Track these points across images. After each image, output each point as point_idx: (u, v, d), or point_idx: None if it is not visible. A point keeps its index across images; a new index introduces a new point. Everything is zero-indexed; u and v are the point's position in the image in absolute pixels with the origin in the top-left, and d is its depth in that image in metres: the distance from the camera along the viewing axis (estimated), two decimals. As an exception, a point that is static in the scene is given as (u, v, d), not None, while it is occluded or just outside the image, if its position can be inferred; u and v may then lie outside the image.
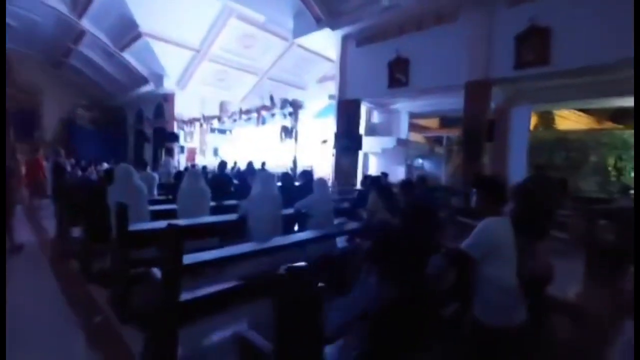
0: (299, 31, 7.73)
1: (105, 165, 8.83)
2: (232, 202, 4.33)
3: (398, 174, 8.60)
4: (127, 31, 11.21)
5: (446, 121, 10.77)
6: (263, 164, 7.14)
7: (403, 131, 9.02)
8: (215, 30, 11.68)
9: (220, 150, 14.68)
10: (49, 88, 16.34)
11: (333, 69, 15.96)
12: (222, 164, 7.36)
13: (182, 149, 14.03)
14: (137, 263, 2.81)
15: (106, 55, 13.72)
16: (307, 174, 5.17)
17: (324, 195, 3.63)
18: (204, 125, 12.28)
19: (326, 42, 7.84)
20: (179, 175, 5.41)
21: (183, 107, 14.46)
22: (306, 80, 16.50)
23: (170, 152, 12.76)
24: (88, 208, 3.57)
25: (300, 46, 13.65)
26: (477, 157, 5.83)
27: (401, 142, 8.70)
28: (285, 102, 8.52)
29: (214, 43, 12.20)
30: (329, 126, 12.67)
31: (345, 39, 7.58)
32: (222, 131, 14.67)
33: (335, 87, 7.92)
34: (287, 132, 8.18)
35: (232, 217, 3.49)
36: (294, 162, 8.24)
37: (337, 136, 7.47)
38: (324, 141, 8.67)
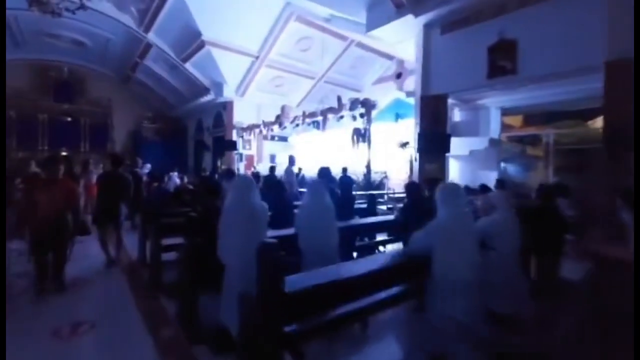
0: (374, 23, 6.95)
1: (176, 175, 8.74)
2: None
3: (490, 180, 7.36)
4: (191, 41, 11.32)
5: (534, 119, 9.25)
6: (344, 169, 6.45)
7: (494, 130, 7.74)
8: (274, 35, 11.39)
9: (277, 158, 14.35)
10: (118, 102, 17.41)
11: (391, 69, 15.34)
12: (272, 168, 6.92)
13: (240, 156, 13.93)
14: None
15: (170, 68, 14.16)
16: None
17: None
18: (264, 132, 11.97)
19: (403, 33, 6.96)
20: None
21: (241, 114, 14.44)
22: (363, 83, 15.75)
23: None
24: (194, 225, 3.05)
25: (358, 45, 12.99)
26: (621, 159, 4.50)
27: (494, 143, 7.45)
28: (355, 103, 7.74)
29: (272, 48, 11.94)
30: (393, 129, 11.71)
31: (427, 28, 6.63)
32: (283, 138, 14.35)
33: (416, 82, 6.98)
34: (360, 135, 7.39)
35: (289, 231, 3.10)
36: (368, 168, 7.41)
37: (421, 137, 6.48)
38: (404, 144, 7.74)
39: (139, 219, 4.99)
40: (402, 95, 13.85)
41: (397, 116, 14.03)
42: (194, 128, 18.16)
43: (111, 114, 17.31)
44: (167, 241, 3.67)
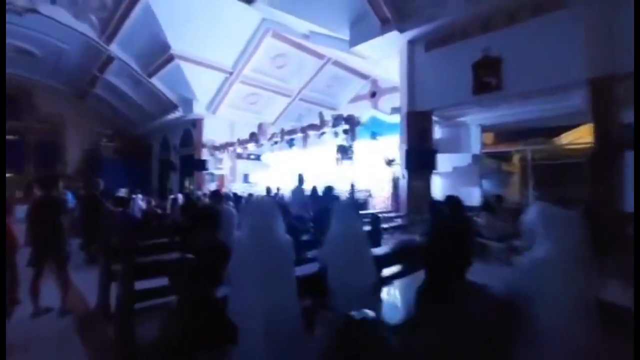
0: (358, 38, 6.82)
1: (140, 198, 7.76)
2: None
3: (473, 197, 7.30)
4: (158, 54, 10.62)
5: (504, 136, 9.57)
6: (330, 188, 5.89)
7: (474, 147, 7.79)
8: (249, 50, 11.03)
9: (250, 177, 13.67)
10: (72, 119, 15.91)
11: (366, 88, 15.53)
12: (268, 190, 6.34)
13: (212, 176, 13.08)
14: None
15: (133, 83, 13.22)
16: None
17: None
18: (239, 150, 11.34)
19: (387, 49, 6.89)
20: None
21: (212, 132, 13.71)
22: (339, 101, 15.74)
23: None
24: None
25: (335, 64, 12.99)
26: (610, 174, 4.52)
27: (476, 159, 7.46)
28: (338, 119, 7.48)
29: (247, 64, 11.55)
30: (371, 146, 11.57)
31: (411, 44, 6.61)
32: (256, 157, 13.72)
33: (401, 98, 6.87)
34: (344, 152, 7.07)
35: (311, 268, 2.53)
36: (352, 186, 7.06)
37: (409, 154, 6.28)
38: (390, 161, 7.51)
39: (100, 251, 4.16)
40: (377, 114, 13.98)
41: (373, 134, 14.05)
42: (158, 147, 17.01)
43: (63, 132, 15.73)
44: (142, 284, 2.75)
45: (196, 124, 13.73)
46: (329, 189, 4.72)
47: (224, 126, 13.91)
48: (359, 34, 6.80)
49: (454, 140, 7.75)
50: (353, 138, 7.12)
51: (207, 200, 6.32)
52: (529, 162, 7.58)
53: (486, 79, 5.70)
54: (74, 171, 15.77)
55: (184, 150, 14.99)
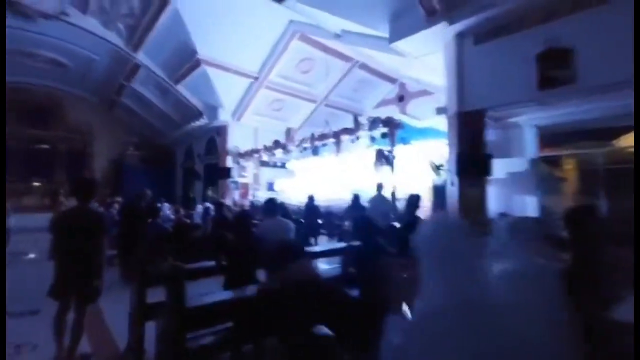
0: (399, 33, 6.28)
1: (167, 207, 7.43)
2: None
3: (527, 207, 6.52)
4: (185, 60, 10.46)
5: (551, 138, 8.67)
6: (355, 196, 5.19)
7: (530, 151, 7.01)
8: (275, 55, 10.71)
9: (275, 185, 13.24)
10: (100, 129, 16.14)
11: (393, 93, 14.93)
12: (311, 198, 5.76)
13: (235, 184, 12.76)
14: None
15: (159, 91, 13.20)
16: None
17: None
18: (265, 157, 10.96)
19: (431, 44, 6.30)
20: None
21: (236, 140, 13.43)
22: (364, 106, 15.21)
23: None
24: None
25: (362, 67, 12.50)
26: None
27: (533, 164, 6.67)
28: (376, 122, 6.92)
29: (273, 69, 11.23)
30: (403, 152, 10.88)
31: (459, 38, 6.00)
32: (281, 164, 13.32)
33: (448, 98, 6.23)
34: (384, 157, 6.49)
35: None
36: (394, 195, 6.43)
37: (460, 158, 5.61)
38: (438, 167, 6.85)
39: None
40: (405, 119, 13.32)
41: (402, 139, 13.37)
42: (182, 155, 16.95)
43: (91, 141, 15.95)
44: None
45: (220, 131, 13.50)
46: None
47: (248, 133, 13.61)
48: (401, 29, 6.25)
49: (504, 142, 7.00)
50: (393, 142, 6.53)
51: (245, 210, 5.82)
52: (597, 166, 6.72)
53: (553, 73, 4.99)
54: (101, 180, 15.87)
55: (208, 158, 14.80)
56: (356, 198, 5.11)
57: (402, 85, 14.04)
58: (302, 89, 12.81)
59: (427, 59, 7.25)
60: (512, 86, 5.46)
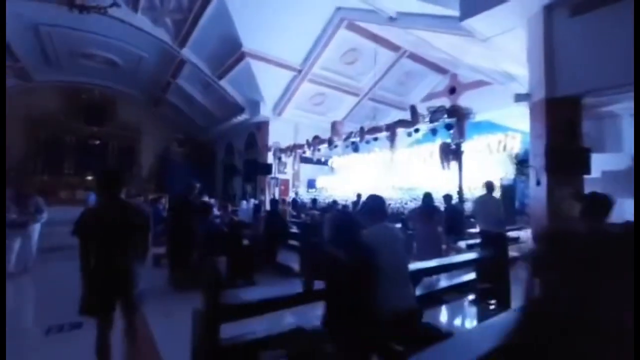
0: (473, 8, 5.46)
1: (212, 202, 7.21)
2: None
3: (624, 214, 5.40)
4: (230, 53, 10.30)
5: None
6: (427, 196, 4.39)
7: (628, 145, 5.86)
8: (320, 45, 10.21)
9: (317, 182, 12.78)
10: (147, 125, 16.69)
11: (442, 85, 13.84)
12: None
13: (276, 181, 12.47)
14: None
15: (202, 87, 13.27)
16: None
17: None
18: (308, 153, 10.52)
19: (510, 19, 5.42)
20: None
21: (275, 135, 13.14)
22: (409, 100, 14.27)
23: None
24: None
25: (410, 57, 11.66)
26: None
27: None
28: (439, 112, 6.14)
29: (317, 61, 10.73)
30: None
31: (549, 10, 5.06)
32: (321, 161, 12.83)
33: (531, 82, 5.33)
34: (451, 152, 5.70)
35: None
36: (460, 194, 5.63)
37: (552, 153, 4.69)
38: (521, 162, 5.96)
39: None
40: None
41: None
42: (223, 151, 17.05)
43: (139, 137, 16.55)
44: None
45: (261, 126, 13.29)
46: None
47: (288, 129, 13.27)
48: (475, 3, 5.43)
49: (597, 135, 5.91)
50: (462, 134, 5.72)
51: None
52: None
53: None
54: (147, 175, 16.44)
55: (247, 154, 14.70)
56: (428, 197, 4.39)
57: (454, 77, 13.01)
58: (346, 81, 12.24)
59: (498, 40, 6.34)
60: (614, 67, 4.45)
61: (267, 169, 12.60)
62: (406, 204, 7.37)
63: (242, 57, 10.10)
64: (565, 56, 4.99)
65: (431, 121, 6.34)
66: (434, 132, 6.53)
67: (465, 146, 7.57)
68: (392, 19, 7.42)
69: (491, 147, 7.78)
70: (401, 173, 9.18)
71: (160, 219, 6.19)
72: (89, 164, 14.78)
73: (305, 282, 1.55)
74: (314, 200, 8.26)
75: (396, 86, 13.31)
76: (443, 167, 5.77)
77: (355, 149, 10.74)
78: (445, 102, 12.95)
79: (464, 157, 6.62)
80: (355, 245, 1.35)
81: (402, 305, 1.35)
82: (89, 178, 14.97)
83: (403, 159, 9.61)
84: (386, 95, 13.53)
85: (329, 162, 13.22)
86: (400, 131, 7.33)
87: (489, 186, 4.54)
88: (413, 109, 7.00)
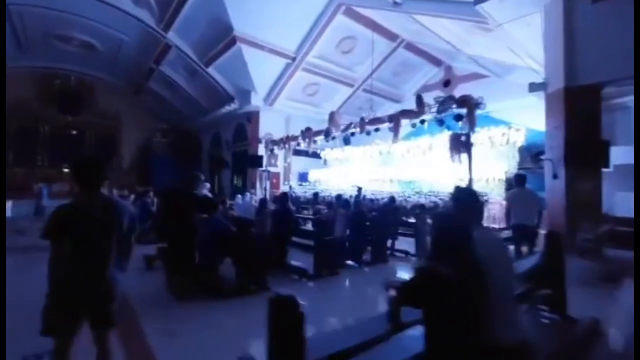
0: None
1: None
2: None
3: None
4: (219, 38, 9.67)
5: None
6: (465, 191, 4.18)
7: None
8: (317, 31, 9.73)
9: (310, 175, 12.38)
10: (128, 115, 15.74)
11: (437, 77, 13.62)
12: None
13: (267, 173, 11.98)
14: None
15: (188, 74, 12.52)
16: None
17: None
18: (303, 144, 10.08)
19: (524, 4, 5.14)
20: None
21: (267, 127, 12.61)
22: (403, 92, 14.06)
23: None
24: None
25: (407, 47, 11.36)
26: None
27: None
28: (447, 102, 5.84)
29: (313, 48, 10.25)
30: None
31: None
32: (314, 154, 12.41)
33: (547, 70, 5.10)
34: (459, 143, 5.42)
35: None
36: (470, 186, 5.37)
37: (571, 145, 4.48)
38: (537, 154, 5.74)
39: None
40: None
41: (449, 128, 12.22)
42: (209, 143, 16.33)
43: (120, 127, 15.58)
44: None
45: (251, 117, 12.71)
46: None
47: (280, 120, 12.78)
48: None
49: (609, 127, 5.76)
50: (473, 125, 5.44)
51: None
52: None
53: None
54: (128, 167, 15.57)
55: (236, 145, 14.10)
56: (462, 192, 4.07)
57: (449, 69, 12.81)
58: (341, 71, 11.84)
59: (509, 27, 6.09)
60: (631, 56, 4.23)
61: (258, 161, 12.08)
62: (409, 197, 7.12)
63: (233, 42, 9.49)
64: (586, 43, 4.77)
65: (439, 111, 6.05)
66: (440, 122, 6.23)
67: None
68: (396, 4, 7.05)
69: (493, 140, 7.58)
70: (399, 166, 8.90)
71: (148, 214, 5.67)
72: (64, 155, 13.79)
73: (392, 314, 1.18)
74: (316, 195, 7.85)
75: (391, 77, 13.00)
76: (453, 159, 5.50)
77: (347, 141, 10.40)
78: (439, 94, 12.80)
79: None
80: (469, 258, 1.00)
81: (508, 336, 1.00)
82: (65, 170, 14.00)
83: (400, 152, 9.32)
84: (380, 86, 13.19)
85: (322, 155, 12.81)
86: (405, 122, 7.01)
87: (522, 179, 4.27)
88: (419, 99, 6.69)
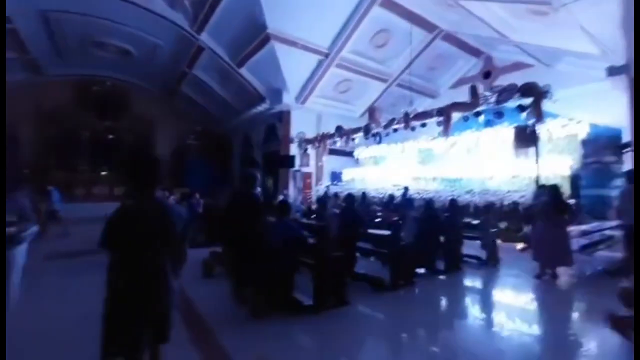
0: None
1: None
2: None
3: None
4: (253, 36, 9.55)
5: None
6: (554, 187, 3.59)
7: None
8: (352, 24, 9.40)
9: (344, 175, 12.07)
10: (161, 118, 16.07)
11: (475, 69, 12.91)
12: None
13: (300, 174, 11.79)
14: None
15: (220, 76, 12.55)
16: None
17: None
18: (339, 143, 9.80)
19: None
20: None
21: (298, 126, 12.41)
22: (438, 87, 13.49)
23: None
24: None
25: (445, 38, 10.79)
26: None
27: None
28: (508, 91, 5.34)
29: (347, 43, 9.93)
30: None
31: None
32: (347, 153, 12.11)
33: (628, 52, 4.52)
34: (525, 137, 4.93)
35: None
36: (538, 183, 4.86)
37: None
38: (623, 146, 5.18)
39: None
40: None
41: (489, 122, 11.52)
42: (239, 144, 16.38)
43: (154, 130, 15.95)
44: None
45: (282, 117, 12.54)
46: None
47: (311, 119, 12.53)
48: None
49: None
50: (540, 115, 4.92)
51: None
52: None
53: None
54: (164, 171, 15.85)
55: (267, 146, 14.01)
56: (554, 189, 3.60)
57: (489, 59, 12.11)
58: (375, 66, 11.45)
59: (573, 7, 5.50)
60: None
61: (291, 161, 11.92)
62: (458, 196, 6.61)
63: (266, 40, 9.33)
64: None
65: (498, 102, 5.55)
66: (498, 114, 5.73)
67: (503, 134, 6.73)
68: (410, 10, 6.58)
69: (551, 133, 6.94)
70: (443, 163, 8.42)
71: (195, 216, 5.57)
72: (103, 159, 14.26)
73: None
74: (364, 195, 7.44)
75: (425, 71, 12.45)
76: (517, 154, 5.01)
77: (379, 140, 9.98)
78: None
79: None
80: None
81: None
82: (103, 173, 14.47)
83: (443, 148, 8.83)
84: (414, 81, 12.65)
85: (355, 153, 12.47)
86: (456, 115, 6.55)
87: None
88: (473, 89, 6.21)
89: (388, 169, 10.27)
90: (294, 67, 10.42)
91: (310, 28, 9.30)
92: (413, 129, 7.43)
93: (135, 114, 15.42)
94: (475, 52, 11.92)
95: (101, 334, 1.57)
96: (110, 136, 14.87)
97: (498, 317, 3.14)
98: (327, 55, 10.27)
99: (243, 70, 11.31)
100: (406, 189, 7.12)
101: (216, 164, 16.28)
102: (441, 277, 4.29)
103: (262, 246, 2.61)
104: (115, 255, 1.64)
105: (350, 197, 4.32)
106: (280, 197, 7.23)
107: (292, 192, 12.00)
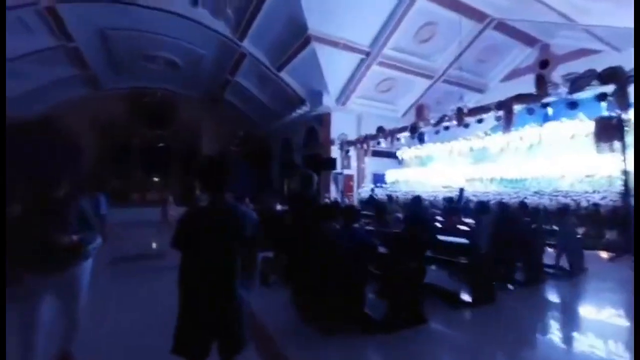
0: None
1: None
2: None
3: None
4: (293, 39, 9.54)
5: None
6: None
7: None
8: (395, 19, 9.03)
9: (387, 177, 11.64)
10: (207, 125, 16.73)
11: (529, 59, 11.87)
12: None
13: (341, 176, 11.55)
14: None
15: (260, 82, 12.74)
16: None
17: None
18: (383, 144, 9.45)
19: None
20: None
21: (338, 128, 12.20)
22: (487, 81, 12.62)
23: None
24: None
25: (497, 28, 10.02)
26: None
27: None
28: (586, 77, 4.68)
29: (390, 39, 9.56)
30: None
31: None
32: (389, 154, 11.68)
33: None
34: (610, 129, 4.28)
35: None
36: (626, 186, 4.18)
37: None
38: None
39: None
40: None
41: (546, 117, 10.47)
42: (279, 148, 16.52)
43: (200, 137, 16.64)
44: None
45: (322, 119, 12.41)
46: None
47: (351, 120, 12.27)
48: None
49: None
50: (626, 104, 4.24)
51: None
52: None
53: None
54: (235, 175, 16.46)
55: (307, 149, 13.95)
56: None
57: (545, 47, 11.09)
58: (419, 62, 10.93)
59: None
60: None
61: (332, 163, 11.73)
62: (525, 198, 5.92)
63: (306, 42, 9.26)
64: None
65: (572, 91, 4.90)
66: (572, 105, 5.07)
67: (572, 128, 5.90)
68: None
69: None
70: (501, 162, 7.71)
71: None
72: (154, 166, 15.15)
73: None
74: (419, 199, 6.96)
75: (473, 65, 11.67)
76: (600, 149, 4.36)
77: (423, 139, 9.44)
78: (530, 80, 11.12)
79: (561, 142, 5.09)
80: None
81: None
82: (155, 179, 15.32)
83: (499, 146, 8.11)
84: (461, 75, 11.92)
85: (398, 154, 11.98)
86: (518, 109, 5.91)
87: None
88: (540, 79, 5.59)
89: (436, 170, 9.68)
90: (335, 68, 10.25)
91: (351, 26, 9.07)
92: (467, 125, 6.87)
93: (182, 122, 16.17)
94: (530, 40, 10.98)
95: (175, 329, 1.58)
96: (160, 144, 15.71)
97: (598, 342, 2.66)
98: (368, 54, 9.98)
99: (283, 74, 11.36)
100: (462, 190, 6.59)
101: (258, 168, 16.57)
102: (524, 291, 3.75)
103: (330, 254, 2.40)
104: (186, 255, 1.62)
105: (417, 200, 3.97)
106: (327, 200, 7.06)
107: (333, 195, 11.80)
